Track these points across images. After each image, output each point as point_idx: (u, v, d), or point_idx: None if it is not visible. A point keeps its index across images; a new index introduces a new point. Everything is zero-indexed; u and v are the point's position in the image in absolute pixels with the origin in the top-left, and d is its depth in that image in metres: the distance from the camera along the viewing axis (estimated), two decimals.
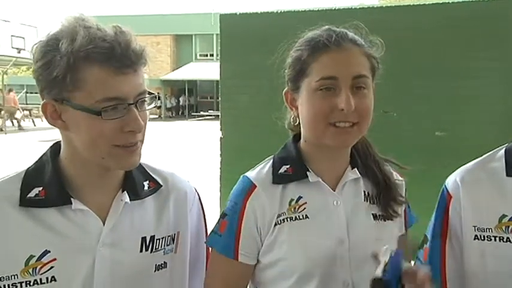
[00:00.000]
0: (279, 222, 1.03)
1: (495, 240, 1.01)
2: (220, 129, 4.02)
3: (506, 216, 1.00)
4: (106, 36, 0.90)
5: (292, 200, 1.05)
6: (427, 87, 4.32)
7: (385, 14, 4.02)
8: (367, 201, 1.09)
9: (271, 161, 1.12)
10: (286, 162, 1.08)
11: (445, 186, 1.12)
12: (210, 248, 1.13)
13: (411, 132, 4.23)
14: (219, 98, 3.61)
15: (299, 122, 1.08)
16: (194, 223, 1.16)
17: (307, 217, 1.04)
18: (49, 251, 0.94)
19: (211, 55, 28.76)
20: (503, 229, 1.00)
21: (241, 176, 1.12)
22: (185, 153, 11.39)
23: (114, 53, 0.89)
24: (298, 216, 1.04)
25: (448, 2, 4.48)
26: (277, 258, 1.04)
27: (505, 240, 1.00)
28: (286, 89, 1.09)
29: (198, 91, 31.80)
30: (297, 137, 1.13)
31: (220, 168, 3.97)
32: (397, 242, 1.01)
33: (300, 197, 1.06)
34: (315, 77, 0.99)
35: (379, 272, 0.87)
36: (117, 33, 0.91)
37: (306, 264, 1.02)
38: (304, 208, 1.05)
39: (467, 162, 1.13)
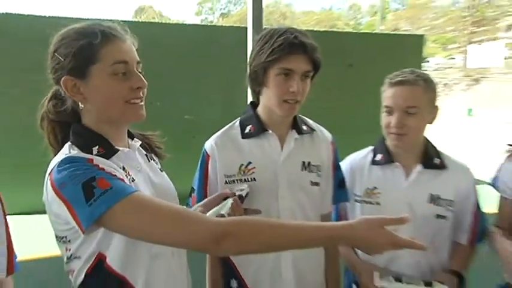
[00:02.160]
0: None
1: (237, 182, 1.50)
2: None
3: (243, 164, 1.51)
4: None
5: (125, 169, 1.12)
6: (184, 85, 6.03)
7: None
8: (150, 160, 1.26)
9: (70, 148, 1.08)
10: (93, 144, 1.09)
11: (205, 149, 1.54)
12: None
13: (167, 117, 5.25)
14: None
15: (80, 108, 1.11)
16: None
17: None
18: None
19: None
20: (241, 173, 1.51)
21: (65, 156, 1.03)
22: None
23: None
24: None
25: (186, 25, 5.93)
26: None
27: (242, 180, 1.50)
28: (65, 77, 1.07)
29: None
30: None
31: None
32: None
33: (124, 167, 1.12)
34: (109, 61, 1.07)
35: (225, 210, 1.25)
36: None
37: None
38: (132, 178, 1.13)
39: (210, 136, 1.55)
